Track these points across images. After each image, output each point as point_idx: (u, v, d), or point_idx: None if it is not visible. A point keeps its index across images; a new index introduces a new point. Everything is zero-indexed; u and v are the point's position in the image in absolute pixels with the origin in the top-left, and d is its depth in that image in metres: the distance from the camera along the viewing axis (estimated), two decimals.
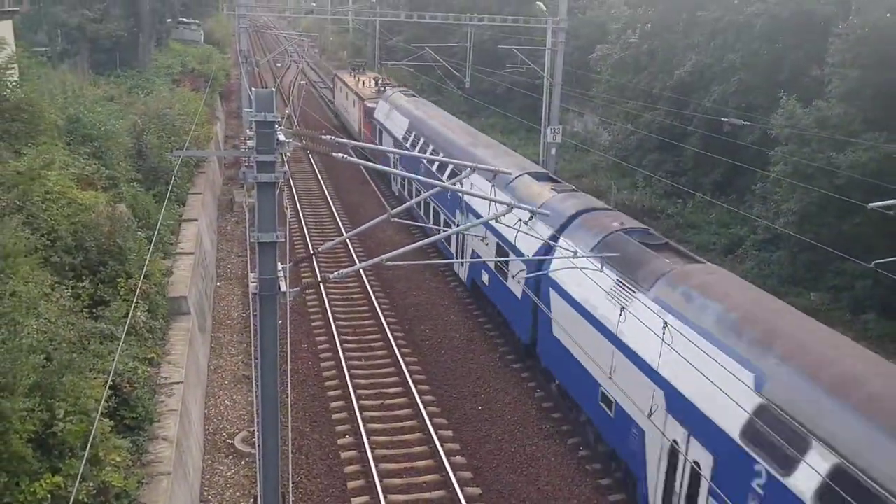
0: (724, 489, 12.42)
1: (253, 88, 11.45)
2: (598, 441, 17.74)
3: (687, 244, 28.30)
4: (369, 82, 50.15)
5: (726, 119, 30.28)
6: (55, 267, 16.60)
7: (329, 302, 25.73)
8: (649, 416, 14.50)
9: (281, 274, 11.06)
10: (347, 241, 30.26)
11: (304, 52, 76.77)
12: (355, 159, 11.99)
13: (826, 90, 27.53)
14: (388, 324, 24.41)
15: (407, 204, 13.53)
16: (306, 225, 34.27)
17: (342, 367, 21.59)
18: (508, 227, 19.37)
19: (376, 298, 26.25)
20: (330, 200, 38.47)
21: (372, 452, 17.79)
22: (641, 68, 40.22)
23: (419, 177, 12.69)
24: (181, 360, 17.49)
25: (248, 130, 10.80)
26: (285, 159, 10.67)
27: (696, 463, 13.38)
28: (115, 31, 41.70)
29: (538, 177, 24.00)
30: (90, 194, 19.56)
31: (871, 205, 17.52)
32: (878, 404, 11.01)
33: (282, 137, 10.51)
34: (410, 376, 21.19)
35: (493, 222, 14.71)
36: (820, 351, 12.57)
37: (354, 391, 20.34)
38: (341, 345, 22.90)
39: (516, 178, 23.46)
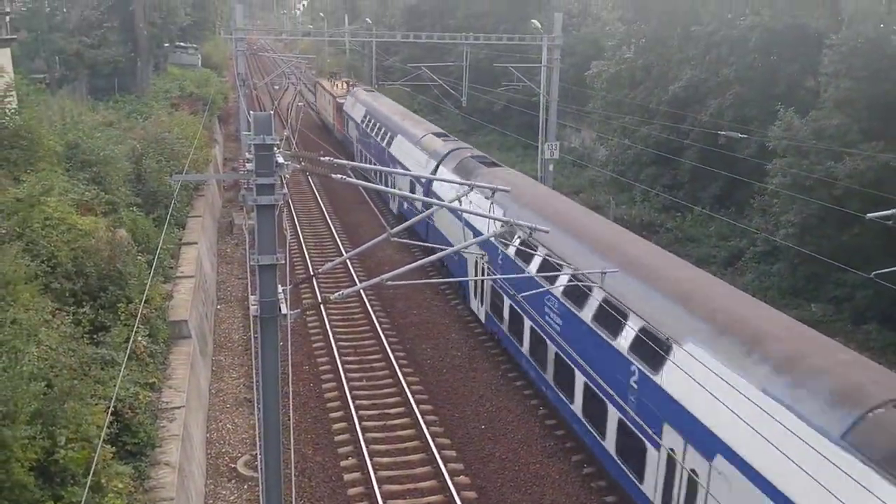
0: (490, 259, 24.27)
1: (251, 112, 11.52)
2: (449, 275, 29.11)
3: (687, 257, 28.28)
4: (342, 85, 60.84)
5: (722, 132, 30.36)
6: (56, 293, 16.61)
7: (330, 322, 25.69)
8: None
9: (281, 296, 11.07)
10: (347, 261, 30.26)
11: (301, 73, 77.33)
12: (353, 180, 12.02)
13: (820, 100, 27.63)
14: (389, 343, 24.36)
15: (406, 223, 13.55)
16: (306, 245, 34.29)
17: (344, 387, 21.54)
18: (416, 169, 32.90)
19: (377, 318, 26.22)
20: (329, 220, 38.53)
21: (375, 474, 17.70)
22: (637, 83, 40.38)
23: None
24: (182, 385, 17.45)
25: (247, 153, 10.84)
26: (284, 181, 10.71)
27: (480, 256, 24.92)
28: (113, 57, 41.94)
29: (437, 135, 35.95)
30: (90, 220, 19.61)
31: (870, 215, 17.56)
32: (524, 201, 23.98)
33: (281, 160, 10.56)
34: (412, 396, 21.12)
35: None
36: (523, 185, 26.06)
37: (356, 412, 20.27)
38: (343, 365, 22.85)
39: (423, 136, 36.03)
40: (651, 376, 15.46)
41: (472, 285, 26.23)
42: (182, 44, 60.83)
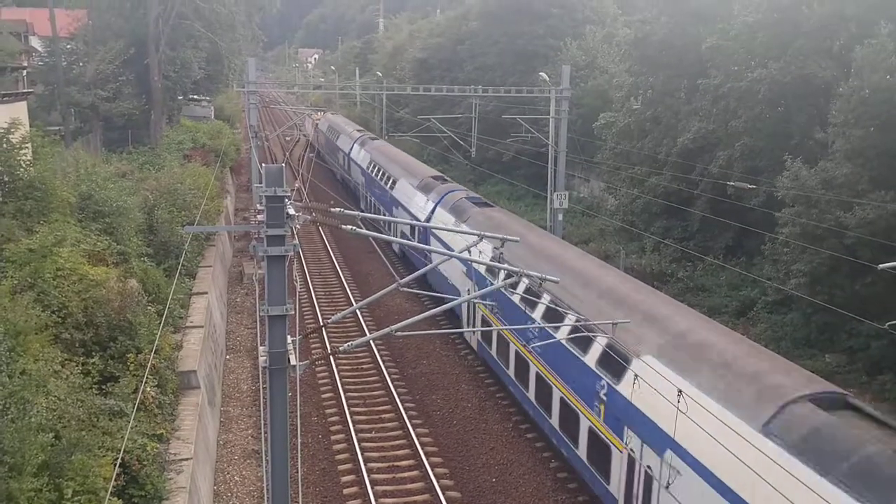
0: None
1: (263, 164, 11.61)
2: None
3: (698, 307, 28.13)
4: (322, 114, 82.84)
5: (731, 183, 30.38)
6: (65, 343, 16.60)
7: (339, 372, 25.54)
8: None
9: (290, 347, 11.02)
10: (357, 311, 30.19)
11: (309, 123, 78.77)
12: (364, 231, 12.06)
13: (830, 151, 27.65)
14: (398, 394, 24.16)
15: (416, 273, 13.56)
16: (316, 295, 34.28)
17: (353, 439, 21.31)
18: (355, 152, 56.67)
19: (386, 368, 26.06)
20: (339, 270, 38.58)
21: None
22: (645, 134, 40.60)
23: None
24: (190, 436, 17.30)
25: (258, 205, 10.91)
26: (295, 232, 10.75)
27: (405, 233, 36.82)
28: (127, 110, 42.53)
29: (358, 130, 61.83)
30: (101, 270, 19.68)
31: (881, 266, 17.43)
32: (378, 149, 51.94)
33: (292, 211, 10.61)
34: (422, 448, 20.86)
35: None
36: (384, 146, 53.92)
37: (365, 464, 20.01)
38: (351, 416, 22.64)
39: (351, 131, 61.96)
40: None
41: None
42: (195, 96, 61.66)
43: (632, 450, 15.49)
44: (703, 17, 37.32)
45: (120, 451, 12.75)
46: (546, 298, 20.38)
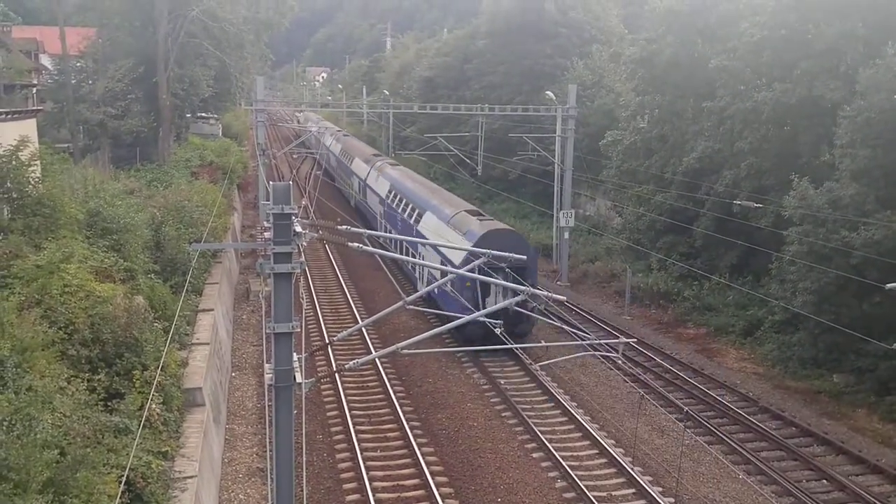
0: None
1: (270, 182, 11.68)
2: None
3: (705, 327, 28.08)
4: (306, 115, 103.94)
5: (737, 201, 30.36)
6: (72, 360, 16.60)
7: (344, 390, 25.48)
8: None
9: (296, 364, 11.02)
10: (363, 328, 30.17)
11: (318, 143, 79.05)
12: (370, 248, 12.09)
13: (836, 172, 27.64)
14: (403, 413, 24.07)
15: (421, 291, 13.56)
16: (322, 312, 34.27)
17: (358, 458, 21.22)
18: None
19: (392, 386, 25.99)
20: (345, 287, 38.59)
21: None
22: (652, 153, 40.63)
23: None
24: (195, 453, 17.25)
25: (265, 222, 10.95)
26: (301, 250, 10.78)
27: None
28: (135, 127, 42.76)
29: (326, 127, 78.77)
30: (108, 287, 19.69)
31: (889, 286, 17.43)
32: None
33: (299, 229, 10.64)
34: (427, 468, 20.75)
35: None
36: (336, 129, 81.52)
37: (370, 483, 19.93)
38: (357, 435, 22.56)
39: (323, 128, 78.73)
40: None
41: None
42: (203, 114, 61.99)
43: None
44: (709, 35, 37.42)
45: (125, 468, 12.73)
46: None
